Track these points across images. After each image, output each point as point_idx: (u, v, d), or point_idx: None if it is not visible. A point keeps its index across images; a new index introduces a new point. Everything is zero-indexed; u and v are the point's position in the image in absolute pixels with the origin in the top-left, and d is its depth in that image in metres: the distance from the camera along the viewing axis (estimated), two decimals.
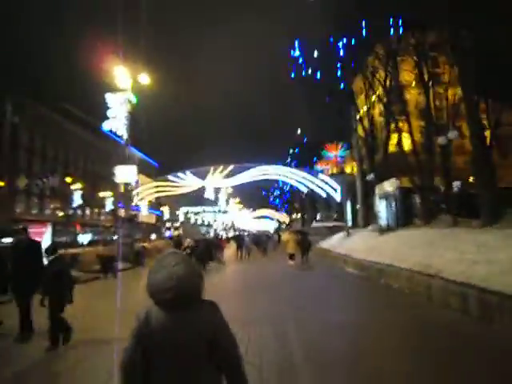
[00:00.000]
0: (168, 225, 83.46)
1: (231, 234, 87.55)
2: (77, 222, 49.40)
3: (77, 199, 49.36)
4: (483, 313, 7.24)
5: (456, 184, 25.48)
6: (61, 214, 48.95)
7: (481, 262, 8.86)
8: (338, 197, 29.02)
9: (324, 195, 30.43)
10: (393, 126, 28.58)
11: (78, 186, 48.32)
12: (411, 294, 10.28)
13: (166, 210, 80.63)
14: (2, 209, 37.59)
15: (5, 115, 39.64)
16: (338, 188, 28.52)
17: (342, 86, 27.91)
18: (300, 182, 29.96)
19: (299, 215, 73.11)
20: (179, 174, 33.00)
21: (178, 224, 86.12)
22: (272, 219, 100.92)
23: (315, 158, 48.75)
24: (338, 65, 27.11)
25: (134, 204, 44.57)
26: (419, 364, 5.29)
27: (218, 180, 32.21)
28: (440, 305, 8.81)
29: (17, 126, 41.11)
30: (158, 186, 36.71)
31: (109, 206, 55.38)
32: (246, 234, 53.19)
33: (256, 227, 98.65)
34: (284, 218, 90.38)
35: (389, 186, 23.24)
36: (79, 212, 53.59)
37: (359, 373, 5.06)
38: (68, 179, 43.76)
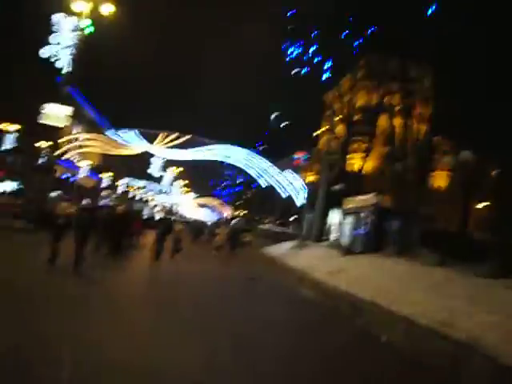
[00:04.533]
0: (104, 193, 77.55)
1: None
2: (3, 168, 42.66)
3: (9, 142, 42.66)
4: None
5: None
6: None
7: None
8: (299, 201, 25.56)
9: (284, 195, 26.99)
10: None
11: (12, 126, 41.58)
12: (420, 364, 6.66)
13: (106, 177, 74.74)
14: None
15: None
16: (302, 191, 25.08)
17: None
18: (261, 176, 26.30)
19: (244, 212, 69.60)
20: (121, 134, 28.21)
21: (115, 195, 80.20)
22: (214, 211, 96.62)
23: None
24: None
25: (65, 157, 39.03)
26: None
27: (167, 149, 27.81)
28: None
29: None
30: (96, 140, 31.55)
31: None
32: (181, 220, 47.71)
33: (196, 216, 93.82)
34: (228, 212, 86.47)
35: (363, 201, 19.97)
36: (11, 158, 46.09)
37: None
38: None
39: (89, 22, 19.82)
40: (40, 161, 45.32)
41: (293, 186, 25.98)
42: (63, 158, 37.98)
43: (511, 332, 6.03)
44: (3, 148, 42.62)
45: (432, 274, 11.02)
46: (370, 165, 40.25)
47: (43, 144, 44.65)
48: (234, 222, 71.61)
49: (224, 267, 18.27)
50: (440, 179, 52.95)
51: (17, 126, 40.78)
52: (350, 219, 21.15)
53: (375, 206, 18.01)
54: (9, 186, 41.67)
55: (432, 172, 29.66)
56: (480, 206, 39.18)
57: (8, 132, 41.18)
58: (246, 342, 6.52)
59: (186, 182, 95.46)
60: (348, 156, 31.63)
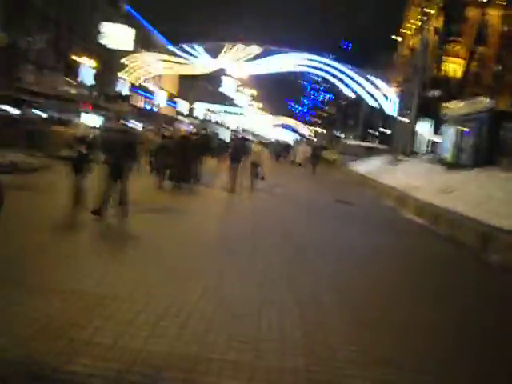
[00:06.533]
0: (182, 119, 77.95)
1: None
2: (89, 103, 42.09)
3: (87, 77, 42.31)
4: None
5: None
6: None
7: None
8: (389, 108, 22.87)
9: (375, 104, 24.33)
10: None
11: (89, 62, 40.73)
12: None
13: (182, 103, 74.47)
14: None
15: None
16: (394, 97, 22.34)
17: None
18: (347, 85, 23.68)
19: (324, 131, 66.84)
20: (187, 48, 26.36)
21: (196, 121, 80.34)
22: (294, 131, 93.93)
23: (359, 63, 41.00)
24: None
25: (139, 84, 38.03)
26: None
27: (236, 62, 25.76)
28: None
29: None
30: (164, 61, 30.08)
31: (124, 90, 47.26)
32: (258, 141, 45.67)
33: (275, 136, 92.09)
34: (307, 131, 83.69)
35: (470, 107, 17.07)
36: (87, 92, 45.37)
37: None
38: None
39: None
40: (116, 89, 44.90)
41: (381, 93, 23.10)
42: (137, 84, 37.19)
43: None
44: (82, 81, 42.58)
45: None
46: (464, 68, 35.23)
47: (116, 72, 43.87)
48: (315, 140, 69.48)
49: (311, 189, 16.78)
50: None
51: (93, 63, 39.88)
52: (452, 129, 18.43)
53: (490, 110, 15.10)
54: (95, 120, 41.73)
55: None
56: None
57: (83, 65, 40.75)
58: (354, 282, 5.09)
59: (261, 104, 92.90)
60: (443, 58, 27.58)
